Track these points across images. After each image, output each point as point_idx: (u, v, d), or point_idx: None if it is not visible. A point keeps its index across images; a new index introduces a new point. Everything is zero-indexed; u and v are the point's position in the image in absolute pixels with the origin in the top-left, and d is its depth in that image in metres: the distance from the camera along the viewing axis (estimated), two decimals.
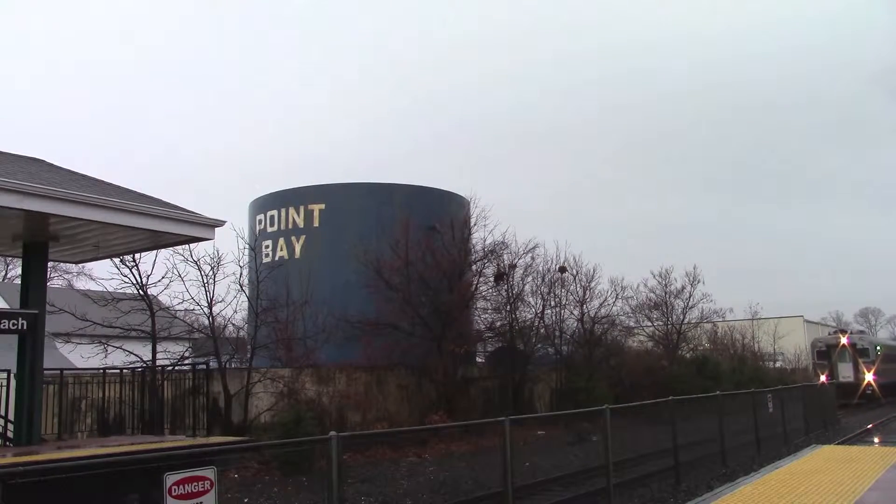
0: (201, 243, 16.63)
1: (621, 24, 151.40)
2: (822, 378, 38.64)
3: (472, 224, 28.10)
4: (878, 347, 42.52)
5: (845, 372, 40.30)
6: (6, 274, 50.48)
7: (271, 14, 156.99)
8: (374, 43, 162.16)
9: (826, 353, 41.94)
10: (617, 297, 34.43)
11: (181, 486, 5.74)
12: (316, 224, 29.35)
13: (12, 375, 13.92)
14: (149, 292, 20.42)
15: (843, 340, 41.35)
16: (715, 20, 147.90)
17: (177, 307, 22.19)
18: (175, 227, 12.53)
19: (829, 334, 46.03)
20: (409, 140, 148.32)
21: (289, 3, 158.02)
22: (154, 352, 19.96)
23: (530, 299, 30.55)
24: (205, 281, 20.41)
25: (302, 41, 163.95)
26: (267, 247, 29.30)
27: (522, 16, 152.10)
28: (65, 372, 17.30)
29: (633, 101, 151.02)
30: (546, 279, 31.00)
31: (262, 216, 30.68)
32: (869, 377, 38.49)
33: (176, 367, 19.43)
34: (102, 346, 19.79)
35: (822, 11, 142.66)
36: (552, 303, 31.33)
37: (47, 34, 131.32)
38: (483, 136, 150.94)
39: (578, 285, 32.27)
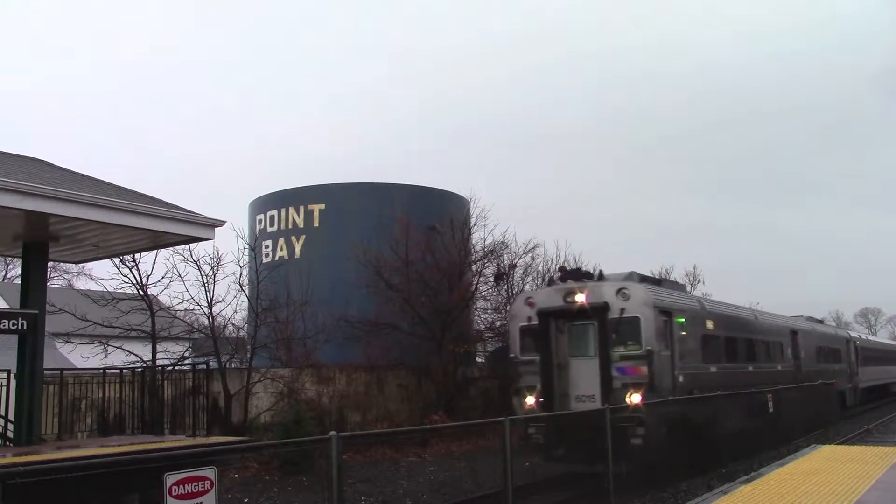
0: (201, 243, 16.64)
1: (623, 27, 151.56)
2: (529, 400, 16.21)
3: (472, 224, 28.13)
4: (682, 320, 16.98)
5: (583, 384, 16.18)
6: (6, 274, 50.49)
7: (273, 17, 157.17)
8: (376, 46, 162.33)
9: (541, 335, 16.68)
10: None
11: (181, 486, 5.75)
12: (316, 224, 29.35)
13: (12, 375, 13.91)
14: (149, 292, 20.45)
15: (580, 298, 16.19)
16: (716, 24, 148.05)
17: (177, 307, 22.24)
18: (175, 227, 12.52)
19: (550, 284, 18.75)
20: (410, 142, 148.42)
21: (291, 6, 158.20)
22: (154, 352, 19.98)
23: None
24: (205, 281, 20.44)
25: (303, 43, 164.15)
26: (267, 247, 29.29)
27: (524, 19, 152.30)
28: (65, 372, 17.25)
29: (635, 103, 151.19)
30: (546, 279, 30.99)
31: (262, 216, 30.67)
32: (636, 398, 14.76)
33: (176, 367, 19.43)
34: (102, 346, 19.81)
35: (825, 14, 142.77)
36: None
37: (47, 34, 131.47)
38: (484, 138, 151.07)
39: None
